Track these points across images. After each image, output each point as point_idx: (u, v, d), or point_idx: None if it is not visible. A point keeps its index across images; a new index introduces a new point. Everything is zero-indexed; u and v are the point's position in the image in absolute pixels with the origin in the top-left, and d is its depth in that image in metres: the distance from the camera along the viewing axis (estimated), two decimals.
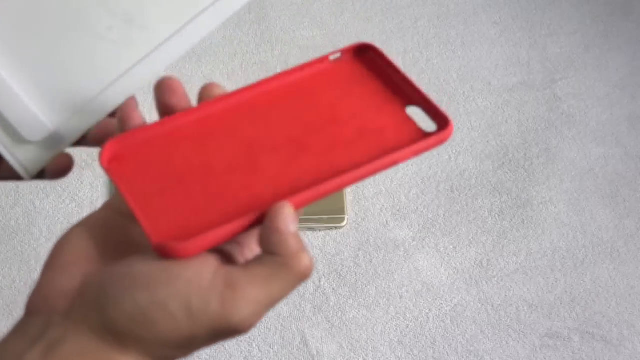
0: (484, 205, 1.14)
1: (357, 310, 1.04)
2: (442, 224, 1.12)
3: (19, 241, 1.06)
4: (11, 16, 0.33)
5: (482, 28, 1.34)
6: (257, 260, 0.29)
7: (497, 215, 1.14)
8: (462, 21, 1.34)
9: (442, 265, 1.09)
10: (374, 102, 0.35)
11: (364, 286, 1.06)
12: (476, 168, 1.18)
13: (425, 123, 0.34)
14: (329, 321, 1.03)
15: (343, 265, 1.07)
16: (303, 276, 0.28)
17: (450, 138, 0.33)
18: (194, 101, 0.35)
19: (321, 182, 0.30)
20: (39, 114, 0.34)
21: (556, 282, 1.09)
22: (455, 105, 1.24)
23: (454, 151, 1.19)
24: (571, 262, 1.11)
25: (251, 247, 0.31)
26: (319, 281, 1.06)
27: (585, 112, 1.26)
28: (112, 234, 0.31)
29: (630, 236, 1.14)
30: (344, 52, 0.37)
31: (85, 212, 1.09)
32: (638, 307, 1.08)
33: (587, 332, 1.05)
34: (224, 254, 0.30)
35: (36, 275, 1.04)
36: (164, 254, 0.28)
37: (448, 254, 1.10)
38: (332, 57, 0.36)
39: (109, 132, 0.36)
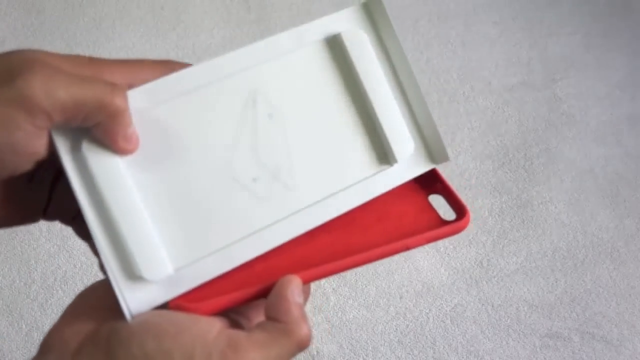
0: (484, 205, 1.14)
1: (357, 310, 1.04)
2: None
3: (19, 241, 1.06)
4: (158, 147, 0.31)
5: (482, 28, 1.34)
6: (259, 325, 0.31)
7: (497, 215, 1.14)
8: (462, 21, 1.34)
9: (442, 265, 1.09)
10: (398, 189, 0.36)
11: (364, 286, 1.06)
12: (476, 168, 1.18)
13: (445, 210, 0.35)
14: (329, 321, 1.03)
15: None
16: (301, 344, 0.30)
17: (466, 227, 0.34)
18: None
19: (331, 261, 0.32)
20: (164, 252, 0.31)
21: (556, 282, 1.09)
22: (455, 105, 1.24)
23: (454, 151, 1.19)
24: (571, 262, 1.11)
25: (258, 321, 0.33)
26: (319, 281, 1.06)
27: (585, 112, 1.26)
28: None
29: (630, 236, 1.14)
30: None
31: None
32: (638, 307, 1.08)
33: (587, 332, 1.05)
34: (232, 322, 0.32)
35: (36, 275, 1.04)
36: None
37: (448, 254, 1.10)
38: None
39: None
